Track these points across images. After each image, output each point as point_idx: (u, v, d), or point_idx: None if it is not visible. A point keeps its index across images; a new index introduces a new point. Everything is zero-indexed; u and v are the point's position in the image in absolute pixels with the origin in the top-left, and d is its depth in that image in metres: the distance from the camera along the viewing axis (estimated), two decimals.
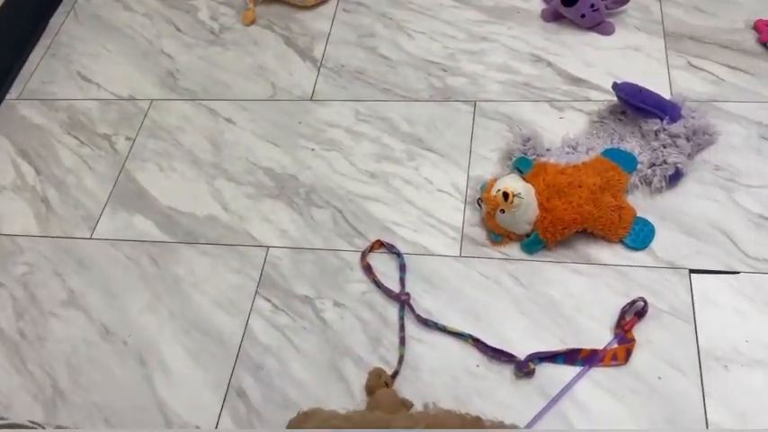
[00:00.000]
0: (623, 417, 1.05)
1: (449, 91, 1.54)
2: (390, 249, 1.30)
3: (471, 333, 1.16)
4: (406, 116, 1.52)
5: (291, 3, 1.78)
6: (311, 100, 1.59)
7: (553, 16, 1.62)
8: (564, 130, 1.40)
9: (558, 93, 1.49)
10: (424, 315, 1.20)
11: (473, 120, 1.48)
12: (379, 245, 1.31)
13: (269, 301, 1.28)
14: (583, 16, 1.55)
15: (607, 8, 1.56)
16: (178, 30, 1.80)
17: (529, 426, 1.07)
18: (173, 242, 1.40)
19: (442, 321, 1.19)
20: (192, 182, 1.49)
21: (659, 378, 1.08)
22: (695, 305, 1.14)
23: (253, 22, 1.78)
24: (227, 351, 1.23)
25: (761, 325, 1.11)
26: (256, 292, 1.29)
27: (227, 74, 1.68)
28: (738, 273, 1.17)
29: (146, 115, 1.63)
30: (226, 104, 1.62)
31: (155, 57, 1.75)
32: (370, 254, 1.31)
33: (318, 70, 1.64)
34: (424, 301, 1.23)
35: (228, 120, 1.59)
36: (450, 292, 1.23)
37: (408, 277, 1.26)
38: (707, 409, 1.04)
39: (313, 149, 1.50)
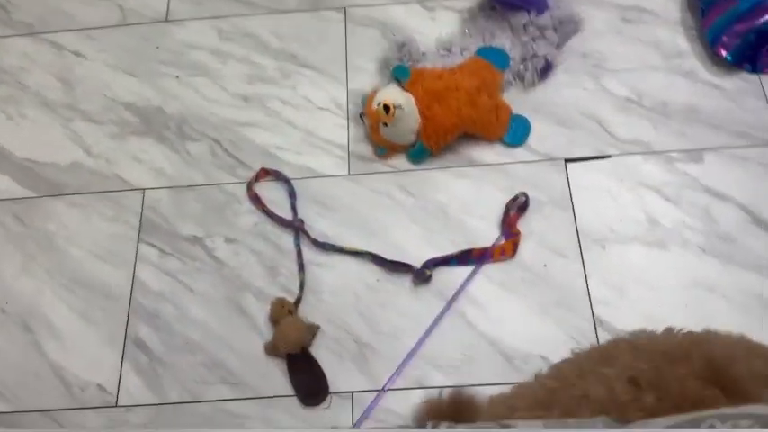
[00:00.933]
0: (516, 306, 1.12)
1: None
2: (277, 176, 1.26)
3: (368, 250, 1.17)
4: (275, 30, 1.43)
5: None
6: (167, 21, 1.46)
7: None
8: (437, 31, 1.37)
9: None
10: (320, 239, 1.19)
11: (345, 28, 1.42)
12: (264, 173, 1.27)
13: (154, 246, 1.22)
14: None
15: None
16: None
17: (434, 324, 1.11)
18: (36, 197, 1.28)
19: (339, 242, 1.19)
20: (46, 127, 1.35)
21: (545, 265, 1.15)
22: (572, 193, 1.21)
23: None
24: (118, 303, 1.17)
25: (632, 204, 1.19)
26: (139, 239, 1.22)
27: (66, 0, 1.50)
28: (610, 156, 1.24)
29: None
30: (70, 36, 1.45)
31: None
32: (257, 183, 1.26)
33: None
34: (319, 225, 1.22)
35: (76, 53, 1.43)
36: (344, 212, 1.23)
37: (299, 203, 1.24)
38: (589, 287, 1.12)
39: (177, 76, 1.39)
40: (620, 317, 1.09)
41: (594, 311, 1.10)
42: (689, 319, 1.10)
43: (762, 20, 1.25)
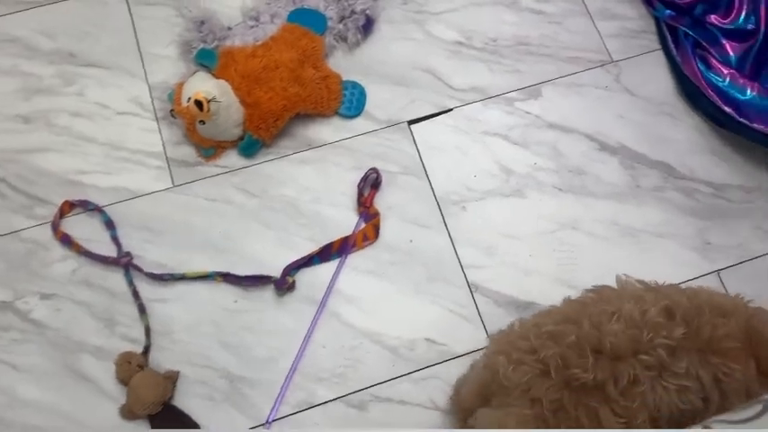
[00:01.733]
0: (390, 293, 1.04)
1: None
2: (85, 207, 1.06)
3: (216, 270, 1.03)
4: (43, 28, 1.18)
5: None
6: None
7: None
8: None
9: None
10: (155, 270, 1.03)
11: (129, 11, 1.20)
12: (68, 206, 1.06)
13: None
14: None
15: None
16: None
17: (308, 336, 1.01)
18: None
19: (180, 269, 1.03)
20: None
21: (411, 241, 1.08)
22: (422, 157, 1.13)
23: None
24: None
25: (482, 156, 1.13)
26: None
27: None
28: (451, 110, 1.16)
29: None
30: None
31: None
32: (63, 220, 1.05)
33: None
34: (150, 254, 1.04)
35: None
36: (177, 232, 1.06)
37: (121, 233, 1.05)
38: (458, 253, 1.07)
39: None
40: (494, 277, 1.05)
41: (468, 278, 1.05)
42: (559, 263, 1.11)
43: None
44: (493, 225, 1.09)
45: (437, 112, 1.16)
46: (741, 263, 1.08)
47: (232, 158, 1.11)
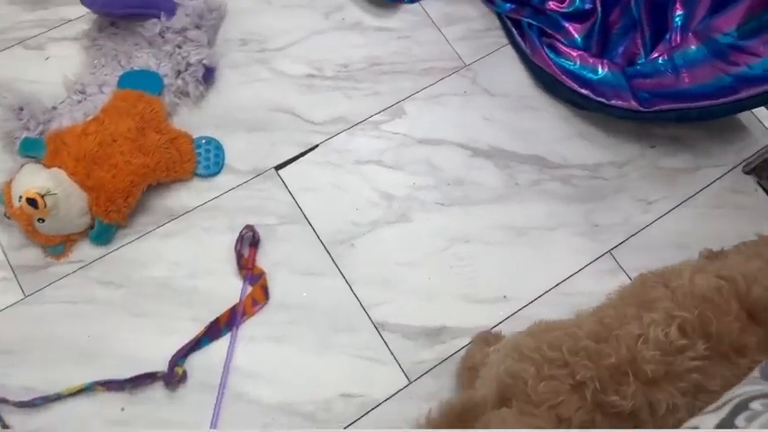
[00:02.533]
0: (293, 353, 0.96)
1: None
2: None
3: (93, 380, 0.91)
4: None
5: None
6: None
7: None
8: (59, 73, 1.07)
9: (26, 26, 1.12)
10: (23, 397, 0.89)
11: None
12: None
13: None
14: None
15: None
16: None
17: (213, 426, 0.92)
18: None
19: (52, 389, 0.90)
20: None
21: (305, 294, 1.00)
22: (298, 201, 1.06)
23: None
24: None
25: (360, 187, 1.08)
26: None
27: None
28: (318, 146, 1.10)
29: None
30: None
31: None
32: None
33: None
34: (15, 380, 0.91)
35: None
36: (41, 348, 0.93)
37: None
38: (357, 294, 1.01)
39: None
40: (398, 311, 1.00)
41: (372, 318, 1.00)
42: (459, 280, 1.07)
43: None
44: (386, 256, 1.04)
45: (303, 151, 1.10)
46: (629, 237, 1.09)
47: (86, 250, 0.99)
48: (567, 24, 1.20)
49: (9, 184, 0.95)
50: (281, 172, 1.08)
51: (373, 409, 0.95)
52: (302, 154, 1.09)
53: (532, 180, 1.12)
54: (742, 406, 0.49)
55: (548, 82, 1.17)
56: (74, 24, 1.13)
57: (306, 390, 0.95)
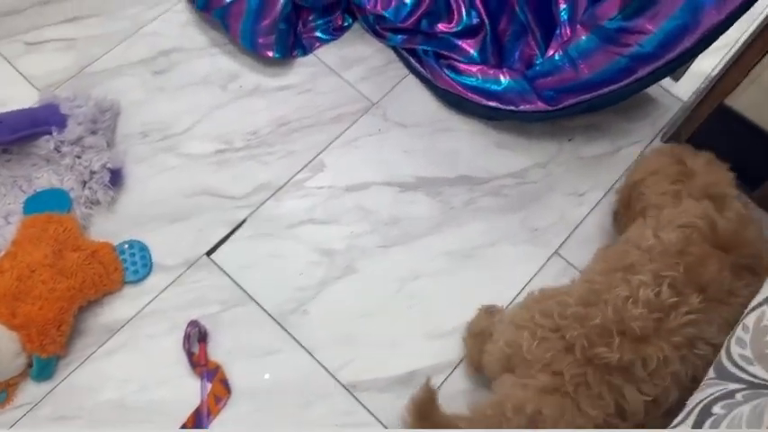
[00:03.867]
0: None
1: None
2: None
3: None
4: None
5: None
6: None
7: None
8: None
9: None
10: None
11: None
12: None
13: None
14: None
15: None
16: None
17: None
18: None
19: None
20: None
21: (267, 376, 0.97)
22: (238, 282, 1.03)
23: None
24: None
25: (297, 250, 1.06)
26: None
27: None
28: (245, 220, 1.08)
29: None
30: None
31: None
32: None
33: None
34: None
35: None
36: None
37: None
38: (321, 361, 0.98)
39: None
40: (365, 366, 0.98)
41: (342, 381, 0.97)
42: (419, 318, 1.05)
43: (278, 6, 1.18)
44: (340, 312, 1.02)
45: (232, 229, 1.07)
46: (571, 234, 1.10)
47: (31, 390, 0.94)
48: (459, 42, 1.21)
49: None
50: (213, 257, 1.04)
51: None
52: (231, 232, 1.06)
53: (465, 200, 1.12)
54: (705, 412, 0.49)
55: (455, 102, 1.17)
56: None
57: None
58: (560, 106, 1.11)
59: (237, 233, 1.07)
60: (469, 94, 1.15)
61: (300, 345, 0.99)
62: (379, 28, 1.23)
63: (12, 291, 0.92)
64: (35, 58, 1.17)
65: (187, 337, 0.97)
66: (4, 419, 0.92)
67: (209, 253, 1.04)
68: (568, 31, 1.17)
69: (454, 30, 1.21)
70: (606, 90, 1.09)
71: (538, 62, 1.17)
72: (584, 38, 1.12)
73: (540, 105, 1.12)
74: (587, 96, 1.10)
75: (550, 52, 1.17)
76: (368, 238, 1.08)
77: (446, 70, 1.18)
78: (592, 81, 1.10)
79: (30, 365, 0.93)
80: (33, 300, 0.92)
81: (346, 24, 1.26)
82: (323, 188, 1.11)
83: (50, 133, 1.01)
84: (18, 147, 1.03)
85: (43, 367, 0.93)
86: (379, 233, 1.08)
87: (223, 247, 1.05)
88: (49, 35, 1.19)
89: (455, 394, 0.96)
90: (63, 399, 0.93)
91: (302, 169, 1.12)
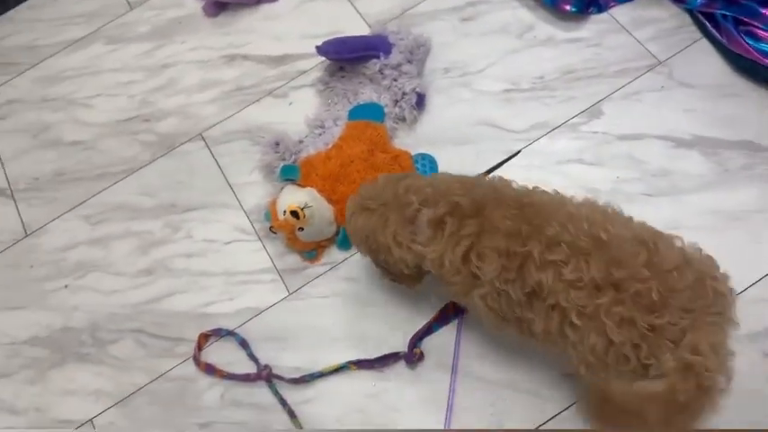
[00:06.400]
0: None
1: (167, 139, 1.36)
2: (219, 335, 1.15)
3: (347, 360, 1.08)
4: (142, 189, 1.32)
5: None
6: (28, 235, 1.32)
7: (216, 7, 1.49)
8: (301, 114, 1.31)
9: (272, 80, 1.38)
10: (294, 375, 1.09)
11: (211, 153, 1.33)
12: (204, 338, 1.15)
13: None
14: None
15: None
16: None
17: (451, 401, 1.03)
18: None
19: (315, 368, 1.09)
20: None
21: None
22: None
23: None
24: None
25: (563, 185, 1.14)
26: None
27: None
28: (520, 151, 1.21)
29: None
30: None
31: None
32: (202, 352, 1.14)
33: (14, 199, 1.35)
34: (285, 361, 1.11)
35: None
36: (303, 335, 1.13)
37: (255, 348, 1.13)
38: None
39: (66, 286, 1.25)
40: None
41: None
42: None
43: None
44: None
45: (507, 157, 1.21)
46: None
47: (333, 254, 1.19)
48: (764, 10, 1.19)
49: (273, 203, 1.18)
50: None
51: None
52: (506, 160, 1.21)
53: (742, 165, 1.11)
54: None
55: (748, 68, 1.16)
56: (309, 74, 1.37)
57: (530, 369, 1.03)
58: None
59: (511, 161, 1.20)
60: (766, 60, 1.13)
61: None
62: None
63: (335, 173, 1.17)
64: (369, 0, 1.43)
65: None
66: (311, 272, 1.18)
67: (485, 174, 1.20)
68: None
69: None
70: None
71: None
72: None
73: None
74: None
75: None
76: (633, 185, 1.14)
77: (744, 36, 1.17)
78: None
79: (336, 234, 1.18)
80: (349, 183, 1.16)
81: None
82: (597, 133, 1.19)
83: (378, 57, 1.25)
84: (351, 66, 1.29)
85: (346, 237, 1.17)
86: (645, 182, 1.13)
87: (497, 171, 1.20)
88: None
89: None
90: (354, 266, 1.16)
91: (579, 114, 1.21)
